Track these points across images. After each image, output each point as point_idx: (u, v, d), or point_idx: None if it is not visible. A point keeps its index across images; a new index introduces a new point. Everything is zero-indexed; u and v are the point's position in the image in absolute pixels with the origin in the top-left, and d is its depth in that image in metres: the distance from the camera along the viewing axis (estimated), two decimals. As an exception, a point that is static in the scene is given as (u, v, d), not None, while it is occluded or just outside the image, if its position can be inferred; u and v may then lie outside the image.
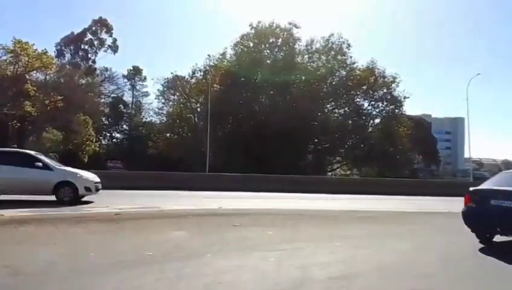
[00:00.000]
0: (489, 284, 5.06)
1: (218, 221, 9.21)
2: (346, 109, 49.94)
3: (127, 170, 42.27)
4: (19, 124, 40.32)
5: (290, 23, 48.07)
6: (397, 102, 47.76)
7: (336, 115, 50.32)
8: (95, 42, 53.50)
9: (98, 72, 55.24)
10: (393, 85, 47.51)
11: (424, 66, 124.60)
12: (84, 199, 12.72)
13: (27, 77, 41.40)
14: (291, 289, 4.41)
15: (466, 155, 59.42)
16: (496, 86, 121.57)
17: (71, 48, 53.39)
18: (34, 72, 42.40)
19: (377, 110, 49.02)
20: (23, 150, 14.36)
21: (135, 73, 59.96)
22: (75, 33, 53.13)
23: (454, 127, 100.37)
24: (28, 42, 39.24)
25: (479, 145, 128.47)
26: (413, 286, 4.68)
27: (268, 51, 48.79)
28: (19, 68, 40.54)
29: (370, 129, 49.58)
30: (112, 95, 57.38)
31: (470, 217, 7.51)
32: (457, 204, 15.26)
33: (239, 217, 9.71)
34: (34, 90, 40.02)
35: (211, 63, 49.48)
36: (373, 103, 48.86)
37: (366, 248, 6.73)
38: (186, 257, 5.65)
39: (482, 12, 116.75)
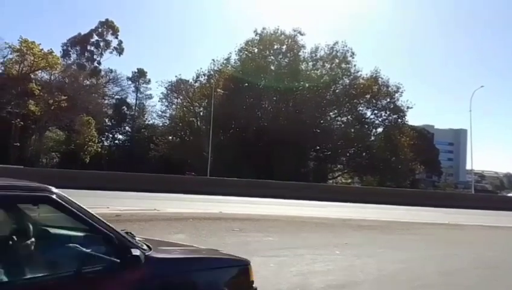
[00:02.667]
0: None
1: (219, 225, 9.20)
2: (349, 117, 49.91)
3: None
4: (22, 123, 40.45)
5: (294, 30, 48.21)
6: (400, 112, 47.76)
7: (338, 122, 50.30)
8: (101, 44, 53.72)
9: (102, 73, 55.45)
10: (396, 95, 47.58)
11: (428, 76, 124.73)
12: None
13: (32, 76, 41.64)
14: (291, 295, 4.40)
15: (468, 167, 59.08)
16: (499, 99, 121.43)
17: (77, 48, 53.61)
18: (39, 71, 42.64)
19: (380, 119, 49.00)
20: None
21: (139, 75, 60.08)
22: (82, 34, 53.41)
23: (457, 139, 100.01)
24: (34, 42, 39.48)
25: (481, 158, 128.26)
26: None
27: (272, 57, 48.89)
28: (24, 67, 40.80)
29: (372, 138, 49.52)
30: (116, 97, 57.53)
31: None
32: (458, 216, 15.31)
33: (239, 222, 9.71)
34: (38, 89, 40.23)
35: (215, 68, 49.60)
36: (376, 112, 48.85)
37: (366, 257, 6.71)
38: (186, 261, 5.63)
39: (487, 24, 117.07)
